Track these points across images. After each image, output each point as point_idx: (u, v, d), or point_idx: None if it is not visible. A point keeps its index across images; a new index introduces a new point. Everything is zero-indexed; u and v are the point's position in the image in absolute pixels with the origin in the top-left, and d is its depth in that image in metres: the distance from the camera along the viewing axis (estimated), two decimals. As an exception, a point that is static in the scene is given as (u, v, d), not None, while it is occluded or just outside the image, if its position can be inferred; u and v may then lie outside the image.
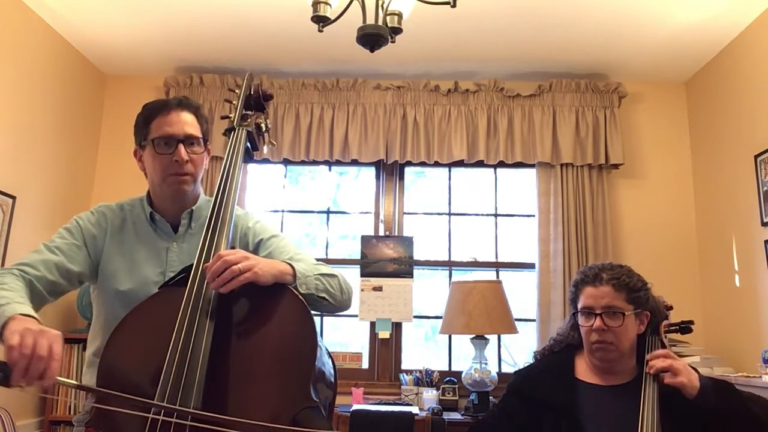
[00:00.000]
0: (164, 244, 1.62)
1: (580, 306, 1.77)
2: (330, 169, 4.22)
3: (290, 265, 1.45)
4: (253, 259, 1.35)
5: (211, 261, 1.34)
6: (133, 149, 1.66)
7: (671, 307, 1.92)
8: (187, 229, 1.64)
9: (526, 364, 2.01)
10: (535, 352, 2.01)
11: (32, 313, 1.27)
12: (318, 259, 1.64)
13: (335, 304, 1.55)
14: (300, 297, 1.40)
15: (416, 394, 3.59)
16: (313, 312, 1.40)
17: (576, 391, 1.75)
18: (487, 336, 3.52)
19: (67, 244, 1.57)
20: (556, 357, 1.87)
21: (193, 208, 1.65)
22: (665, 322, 1.86)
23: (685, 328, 1.92)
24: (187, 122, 1.60)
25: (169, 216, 1.64)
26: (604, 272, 1.75)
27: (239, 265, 1.30)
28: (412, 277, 3.92)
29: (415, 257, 3.97)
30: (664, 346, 1.81)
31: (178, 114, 1.59)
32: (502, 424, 1.80)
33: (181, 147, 1.57)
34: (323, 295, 1.50)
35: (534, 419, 1.75)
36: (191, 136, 1.60)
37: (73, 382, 1.17)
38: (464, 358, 3.77)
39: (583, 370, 1.80)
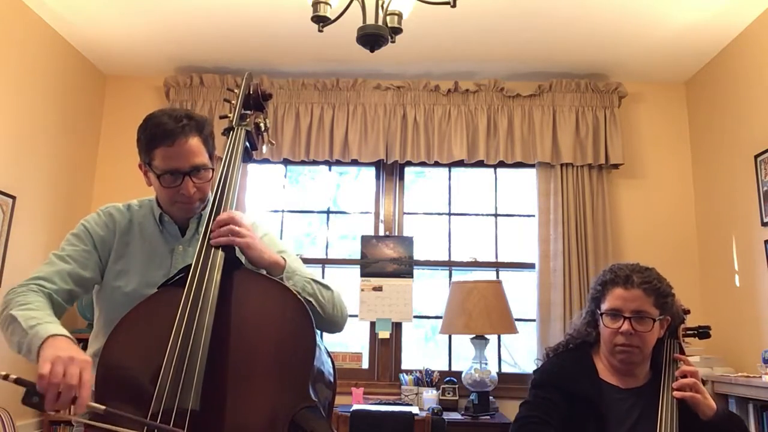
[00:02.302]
0: (170, 246, 1.62)
1: (606, 307, 1.72)
2: (330, 169, 4.22)
3: (284, 258, 1.50)
4: (253, 235, 1.47)
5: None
6: (136, 156, 1.61)
7: (689, 311, 1.91)
8: (194, 234, 1.63)
9: (542, 362, 1.94)
10: (547, 349, 1.95)
11: (64, 331, 1.29)
12: (319, 260, 1.63)
13: (323, 315, 1.52)
14: (299, 297, 1.40)
15: (416, 394, 3.59)
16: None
17: (600, 388, 1.73)
18: (487, 336, 3.51)
19: (77, 251, 1.57)
20: (573, 354, 1.83)
21: (202, 213, 1.64)
22: (683, 326, 1.86)
23: (703, 333, 1.91)
24: (192, 152, 1.52)
25: (178, 220, 1.64)
26: (635, 274, 1.71)
27: (238, 229, 1.43)
28: (412, 277, 3.92)
29: (415, 257, 3.97)
30: (682, 350, 1.81)
31: (182, 145, 1.50)
32: (551, 414, 1.68)
33: (188, 181, 1.53)
34: (310, 298, 1.49)
35: (566, 412, 1.69)
36: (197, 166, 1.54)
37: (102, 407, 1.19)
38: (464, 358, 3.77)
39: (603, 370, 1.78)
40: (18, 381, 1.15)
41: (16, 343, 1.32)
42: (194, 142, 1.53)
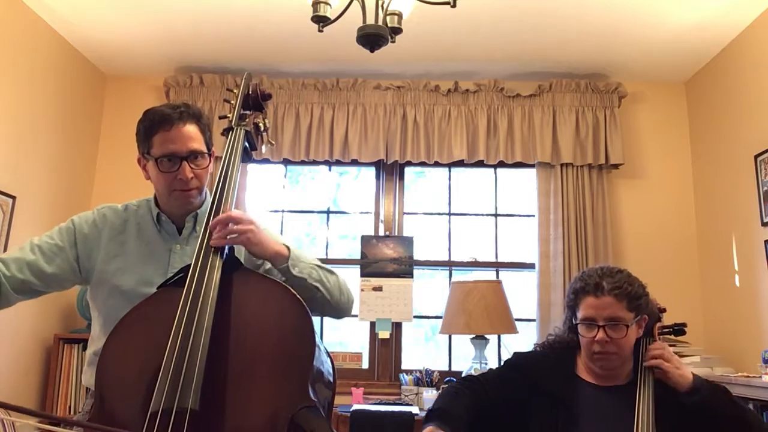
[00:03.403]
0: (168, 245, 1.62)
1: (580, 316, 1.74)
2: (330, 169, 4.22)
3: (287, 247, 1.50)
4: (255, 227, 1.45)
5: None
6: (136, 156, 1.64)
7: (664, 310, 1.91)
8: (191, 232, 1.63)
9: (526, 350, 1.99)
10: (535, 344, 1.99)
11: None
12: (319, 260, 1.63)
13: (331, 301, 1.54)
14: (299, 297, 1.40)
15: (416, 394, 3.59)
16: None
17: (575, 385, 1.75)
18: (487, 336, 3.51)
19: (48, 245, 1.58)
20: (557, 351, 1.86)
21: (198, 211, 1.64)
22: (658, 324, 1.86)
23: (678, 330, 1.91)
24: (190, 137, 1.56)
25: (174, 218, 1.64)
26: (605, 280, 1.70)
27: (237, 227, 1.42)
28: (412, 277, 3.92)
29: (415, 257, 3.97)
30: None
31: (179, 129, 1.54)
32: (493, 384, 1.77)
33: (185, 165, 1.55)
34: (317, 284, 1.50)
35: (525, 399, 1.74)
36: (195, 151, 1.57)
37: None
38: (464, 358, 3.77)
39: (583, 368, 1.80)
40: None
41: None
42: (191, 128, 1.57)
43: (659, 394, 1.67)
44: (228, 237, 1.42)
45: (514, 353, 1.91)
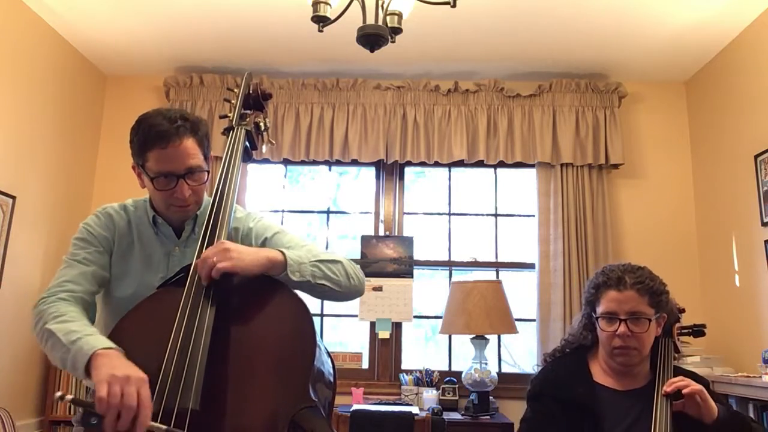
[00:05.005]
0: (167, 248, 1.59)
1: (601, 310, 1.72)
2: (330, 169, 4.22)
3: (282, 252, 1.42)
4: (235, 251, 1.34)
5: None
6: (131, 163, 1.57)
7: (683, 310, 1.90)
8: (190, 234, 1.60)
9: (539, 369, 1.96)
10: (545, 354, 1.96)
11: (108, 343, 1.27)
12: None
13: (341, 290, 1.51)
14: (299, 297, 1.39)
15: (416, 394, 3.59)
16: (313, 312, 1.39)
17: (595, 391, 1.73)
18: (487, 336, 3.51)
19: (91, 253, 1.55)
20: (568, 359, 1.84)
21: (198, 213, 1.60)
22: (677, 325, 1.85)
23: (698, 331, 1.91)
24: (188, 153, 1.48)
25: (172, 221, 1.60)
26: (627, 275, 1.70)
27: (214, 258, 1.31)
28: (412, 277, 3.92)
29: (415, 257, 3.97)
30: (677, 349, 1.81)
31: (176, 147, 1.45)
32: (550, 424, 1.71)
33: (183, 184, 1.49)
34: (322, 282, 1.46)
35: (559, 416, 1.71)
36: (193, 168, 1.49)
37: (164, 426, 1.15)
38: (464, 358, 3.77)
39: (598, 372, 1.78)
40: (75, 402, 1.14)
41: (59, 359, 1.30)
42: (189, 143, 1.49)
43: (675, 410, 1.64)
44: (213, 270, 1.32)
45: (531, 382, 1.87)
